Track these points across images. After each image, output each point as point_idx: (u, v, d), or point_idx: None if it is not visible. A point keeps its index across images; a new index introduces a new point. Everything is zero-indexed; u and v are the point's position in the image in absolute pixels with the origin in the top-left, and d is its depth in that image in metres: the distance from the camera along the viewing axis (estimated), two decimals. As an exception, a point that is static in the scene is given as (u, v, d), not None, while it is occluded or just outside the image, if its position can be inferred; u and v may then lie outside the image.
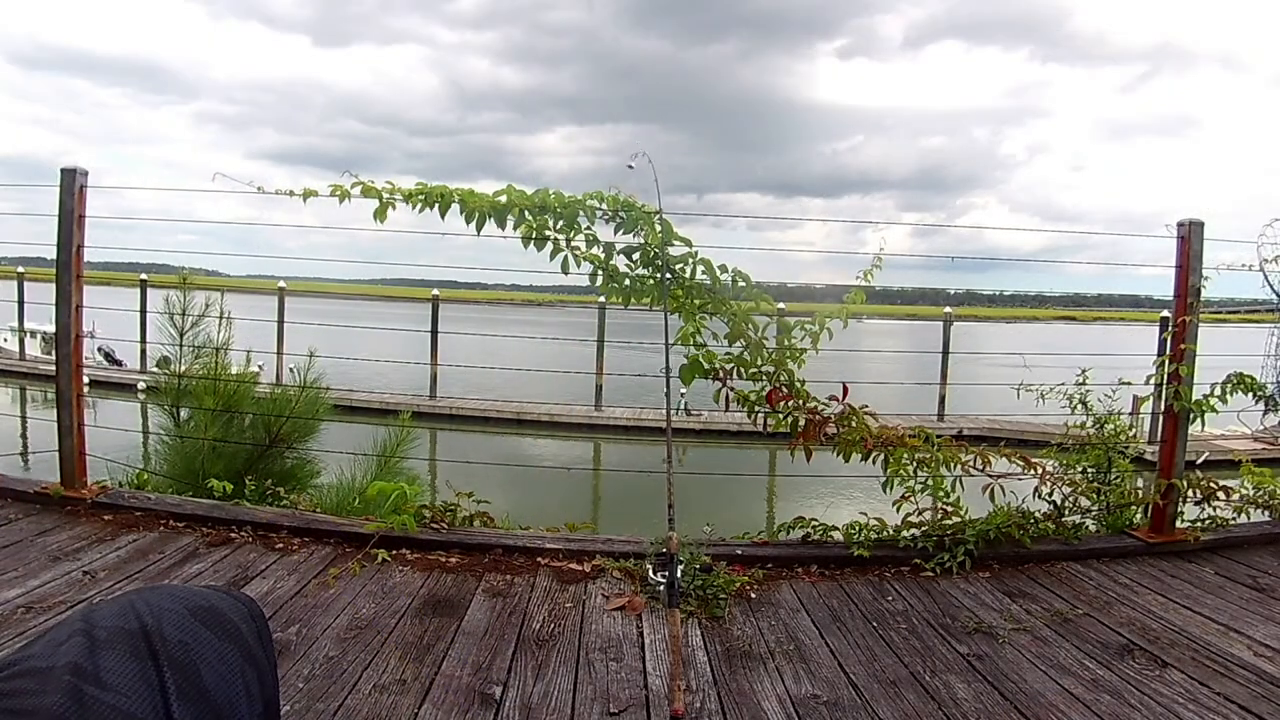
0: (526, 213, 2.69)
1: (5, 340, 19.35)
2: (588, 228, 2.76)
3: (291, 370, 4.10)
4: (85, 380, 3.39)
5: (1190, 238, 2.99)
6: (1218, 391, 3.08)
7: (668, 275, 2.73)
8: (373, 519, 2.90)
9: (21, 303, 18.17)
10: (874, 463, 2.86)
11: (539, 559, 2.73)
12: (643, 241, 2.72)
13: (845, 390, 2.86)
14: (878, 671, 2.01)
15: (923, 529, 2.86)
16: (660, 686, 1.91)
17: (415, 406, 11.43)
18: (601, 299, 11.91)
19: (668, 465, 1.76)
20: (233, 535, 2.82)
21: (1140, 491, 3.28)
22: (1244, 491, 3.23)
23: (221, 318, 4.03)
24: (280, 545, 2.75)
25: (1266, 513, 3.22)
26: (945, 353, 14.64)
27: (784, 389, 2.81)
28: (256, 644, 0.62)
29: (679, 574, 1.60)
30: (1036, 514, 2.98)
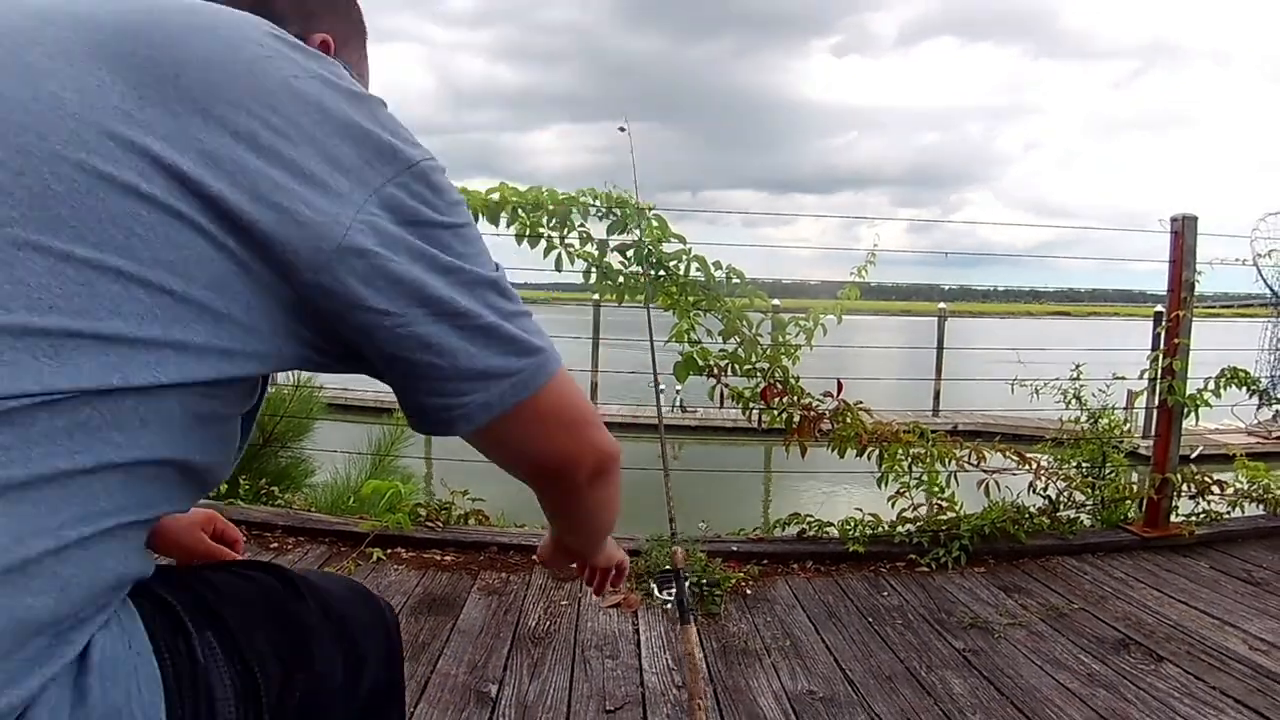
0: (520, 210, 2.68)
1: None
2: (581, 225, 2.75)
3: (287, 369, 4.09)
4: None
5: (1183, 232, 2.99)
6: (1211, 386, 3.10)
7: (661, 272, 2.72)
8: (367, 518, 2.89)
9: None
10: (869, 458, 2.86)
11: (534, 556, 2.72)
12: (636, 238, 2.71)
13: (840, 386, 2.86)
14: (873, 667, 2.01)
15: (918, 524, 2.86)
16: (656, 684, 1.91)
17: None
18: (596, 296, 11.87)
19: (664, 473, 1.72)
20: (226, 535, 2.81)
21: (1135, 486, 3.28)
22: (1238, 485, 3.24)
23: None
24: (275, 544, 2.74)
25: (1261, 506, 3.23)
26: (940, 348, 14.65)
27: (778, 385, 2.81)
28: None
29: (687, 589, 1.51)
30: (1031, 509, 2.98)
